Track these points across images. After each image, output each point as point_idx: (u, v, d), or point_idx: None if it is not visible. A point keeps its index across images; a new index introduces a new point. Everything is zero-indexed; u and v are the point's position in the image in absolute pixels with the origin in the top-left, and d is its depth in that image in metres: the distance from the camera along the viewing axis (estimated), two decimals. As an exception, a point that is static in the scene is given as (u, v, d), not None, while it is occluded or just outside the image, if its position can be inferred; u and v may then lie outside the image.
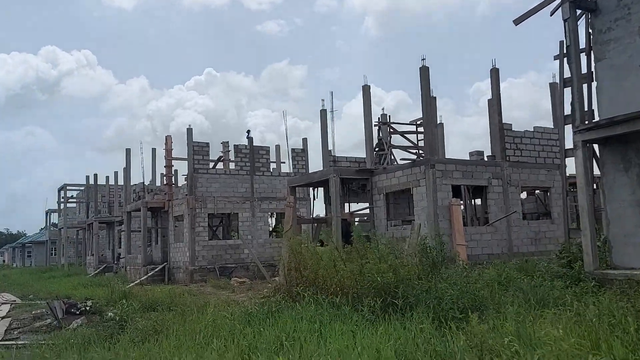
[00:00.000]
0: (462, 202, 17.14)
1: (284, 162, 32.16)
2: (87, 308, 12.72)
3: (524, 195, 24.00)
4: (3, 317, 15.52)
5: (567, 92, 14.85)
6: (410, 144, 19.86)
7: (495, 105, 18.39)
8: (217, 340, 7.04)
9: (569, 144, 15.23)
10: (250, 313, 8.58)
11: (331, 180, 18.99)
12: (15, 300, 21.13)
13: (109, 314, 8.81)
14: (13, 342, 11.11)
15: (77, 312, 12.50)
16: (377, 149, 22.97)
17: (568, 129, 13.50)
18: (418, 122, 20.49)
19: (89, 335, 8.55)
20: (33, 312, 15.13)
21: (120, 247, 38.69)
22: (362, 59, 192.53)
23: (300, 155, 29.92)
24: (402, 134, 19.54)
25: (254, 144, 28.40)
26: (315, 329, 7.27)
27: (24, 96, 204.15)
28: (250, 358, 5.98)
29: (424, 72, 17.18)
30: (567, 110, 14.83)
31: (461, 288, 8.57)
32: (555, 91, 19.72)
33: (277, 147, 32.01)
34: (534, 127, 19.21)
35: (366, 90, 19.67)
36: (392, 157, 19.53)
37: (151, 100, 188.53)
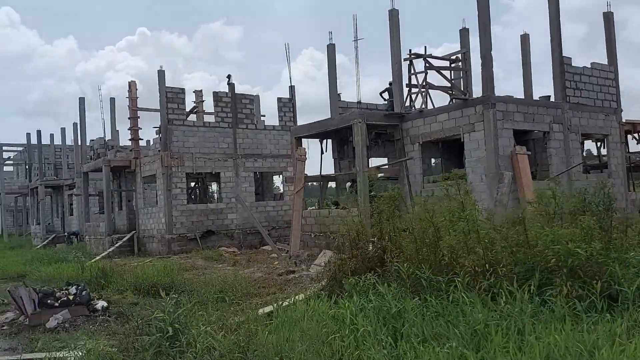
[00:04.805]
0: (529, 151, 14.16)
1: (264, 116, 28.33)
2: (70, 297, 8.88)
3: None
4: (-61, 310, 11.34)
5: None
6: (448, 84, 16.61)
7: (555, 34, 15.34)
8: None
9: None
10: (389, 311, 5.13)
11: (356, 126, 15.51)
12: (-49, 283, 16.64)
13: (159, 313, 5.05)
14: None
15: (57, 304, 8.67)
16: (385, 95, 19.56)
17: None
18: (453, 58, 17.22)
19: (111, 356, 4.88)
20: (-17, 303, 11.06)
21: (71, 215, 33.86)
22: (300, 22, 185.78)
23: (287, 105, 26.08)
24: (439, 70, 16.23)
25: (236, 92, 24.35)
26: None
27: None
28: None
29: (482, -12, 13.80)
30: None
31: None
32: (610, 21, 16.94)
33: (257, 97, 27.97)
34: (591, 64, 16.36)
35: (394, 15, 16.09)
36: (427, 100, 16.23)
37: (80, 62, 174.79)
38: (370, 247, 8.88)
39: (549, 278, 5.96)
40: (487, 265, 6.32)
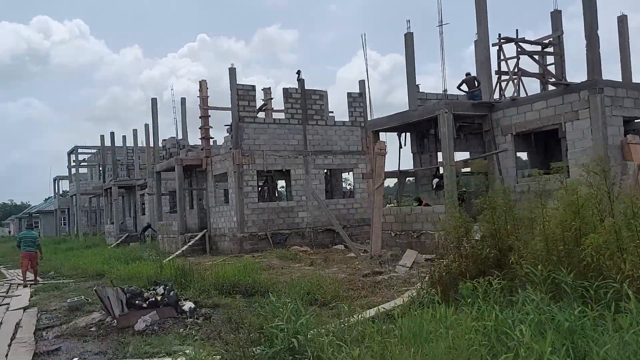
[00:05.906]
0: (643, 139, 12.66)
1: (332, 112, 27.60)
2: (158, 297, 8.43)
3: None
4: (25, 308, 11.30)
5: None
6: (540, 71, 15.24)
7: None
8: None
9: None
10: (560, 326, 4.18)
11: (442, 117, 14.47)
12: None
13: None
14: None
15: (145, 305, 8.22)
16: (464, 88, 18.31)
17: None
18: (546, 41, 15.80)
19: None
20: (68, 301, 10.88)
21: (143, 215, 34.48)
22: (356, 23, 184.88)
23: (357, 100, 25.25)
24: (532, 55, 14.89)
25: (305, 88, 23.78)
26: None
27: (15, 67, 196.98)
28: None
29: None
30: None
31: None
32: None
33: (326, 93, 27.27)
34: None
35: (481, -1, 14.94)
36: (520, 87, 14.91)
37: (144, 69, 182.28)
38: (482, 247, 7.91)
39: None
40: (651, 268, 5.23)
